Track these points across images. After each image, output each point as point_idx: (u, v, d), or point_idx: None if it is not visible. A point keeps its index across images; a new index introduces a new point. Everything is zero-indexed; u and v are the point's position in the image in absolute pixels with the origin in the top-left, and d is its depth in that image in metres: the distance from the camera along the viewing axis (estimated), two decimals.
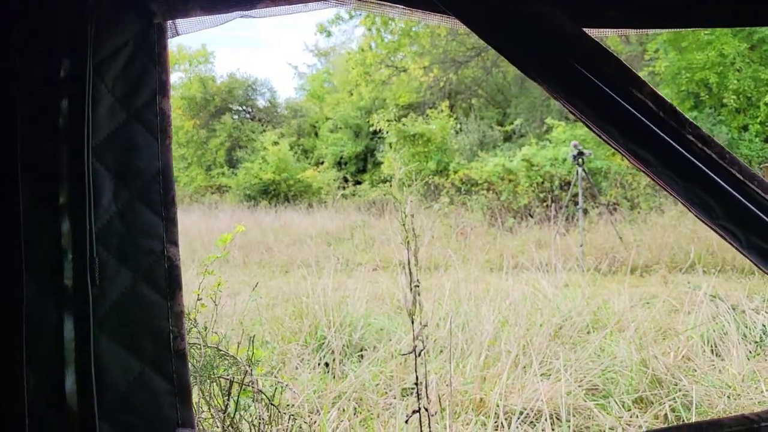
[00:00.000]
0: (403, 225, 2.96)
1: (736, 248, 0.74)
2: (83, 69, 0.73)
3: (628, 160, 0.75)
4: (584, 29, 0.75)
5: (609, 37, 13.61)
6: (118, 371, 0.74)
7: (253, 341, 2.59)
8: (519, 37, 0.77)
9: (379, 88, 14.32)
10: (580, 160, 8.13)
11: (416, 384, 2.86)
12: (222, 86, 20.25)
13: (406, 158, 12.20)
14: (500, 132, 13.25)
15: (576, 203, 8.48)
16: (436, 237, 8.92)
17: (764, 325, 4.23)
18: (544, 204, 9.69)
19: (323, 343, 4.13)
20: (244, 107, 21.06)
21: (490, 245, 8.57)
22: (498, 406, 3.19)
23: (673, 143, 0.75)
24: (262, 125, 19.35)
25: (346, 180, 15.44)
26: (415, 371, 2.83)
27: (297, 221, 11.19)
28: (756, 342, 4.17)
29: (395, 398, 3.54)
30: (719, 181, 0.75)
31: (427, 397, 2.92)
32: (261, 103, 21.40)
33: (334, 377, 3.85)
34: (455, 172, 11.08)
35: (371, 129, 13.25)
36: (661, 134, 0.75)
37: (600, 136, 0.75)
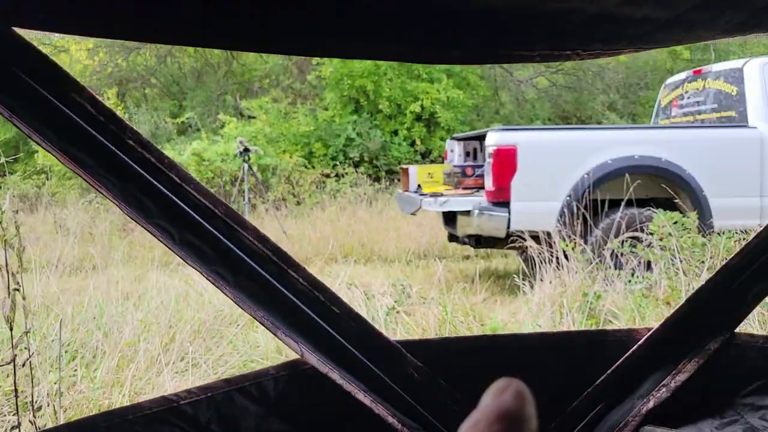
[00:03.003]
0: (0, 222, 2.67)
1: (169, 245, 0.81)
2: None
3: (61, 162, 0.77)
4: (15, 29, 0.74)
5: None
6: None
7: None
8: None
9: None
10: (246, 156, 8.32)
11: (15, 396, 2.62)
12: None
13: None
14: (174, 124, 12.87)
15: (244, 198, 8.67)
16: (95, 234, 8.30)
17: (387, 307, 4.82)
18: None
19: None
20: None
21: (156, 242, 8.26)
22: None
23: (112, 147, 0.79)
24: None
25: None
26: (14, 383, 2.59)
27: None
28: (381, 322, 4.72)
29: (11, 414, 3.19)
30: (157, 183, 0.81)
31: (34, 411, 2.70)
32: None
33: None
34: None
35: None
36: (100, 138, 0.78)
37: (31, 137, 0.75)
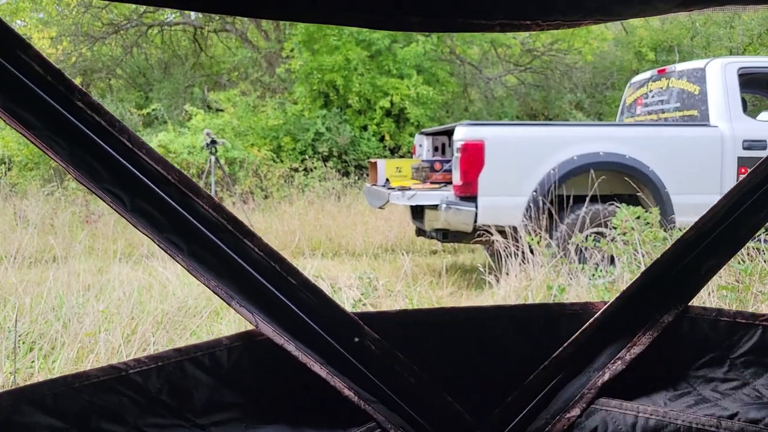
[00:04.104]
0: None
1: (120, 211, 0.79)
2: None
3: (7, 123, 0.75)
4: None
5: (249, 30, 14.02)
6: None
7: None
8: None
9: None
10: (213, 148, 8.22)
11: None
12: None
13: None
14: (140, 116, 12.65)
15: (211, 191, 8.56)
16: (56, 226, 8.12)
17: (354, 299, 4.81)
18: None
19: None
20: None
21: (120, 234, 8.14)
22: None
23: (60, 108, 0.76)
24: None
25: None
26: None
27: None
28: None
29: None
30: (107, 148, 0.79)
31: None
32: None
33: None
34: None
35: None
36: (48, 98, 0.76)
37: None
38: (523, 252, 4.94)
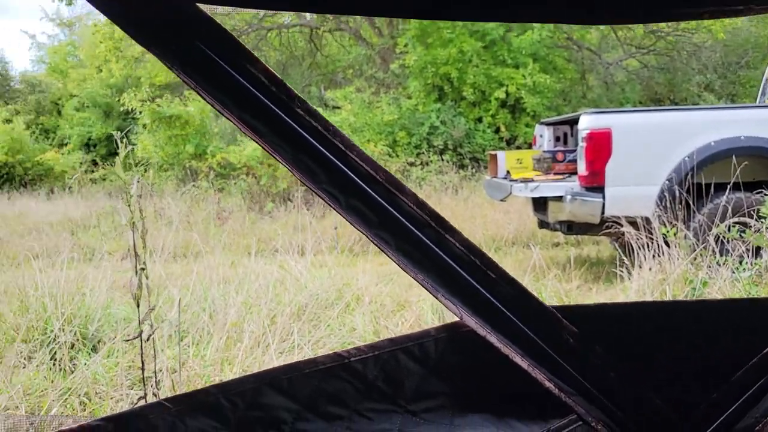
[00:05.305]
0: (128, 206, 2.84)
1: (336, 209, 0.84)
2: None
3: (240, 130, 0.82)
4: (198, 5, 0.79)
5: (362, 28, 14.26)
6: None
7: None
8: (142, 16, 0.79)
9: (132, 65, 13.41)
10: None
11: (142, 369, 2.78)
12: None
13: (162, 141, 11.64)
14: None
15: None
16: (192, 223, 8.67)
17: None
18: (303, 188, 9.92)
19: (50, 338, 3.79)
20: None
21: (249, 230, 8.57)
22: None
23: (283, 115, 0.83)
24: None
25: (95, 163, 14.32)
26: (141, 356, 2.75)
27: (35, 209, 10.10)
28: None
29: (132, 389, 3.40)
30: (324, 150, 0.84)
31: (156, 384, 2.86)
32: None
33: (63, 373, 3.56)
34: (213, 156, 10.85)
35: (123, 109, 12.40)
36: (273, 107, 0.82)
37: (214, 106, 0.80)
38: (658, 244, 4.72)
